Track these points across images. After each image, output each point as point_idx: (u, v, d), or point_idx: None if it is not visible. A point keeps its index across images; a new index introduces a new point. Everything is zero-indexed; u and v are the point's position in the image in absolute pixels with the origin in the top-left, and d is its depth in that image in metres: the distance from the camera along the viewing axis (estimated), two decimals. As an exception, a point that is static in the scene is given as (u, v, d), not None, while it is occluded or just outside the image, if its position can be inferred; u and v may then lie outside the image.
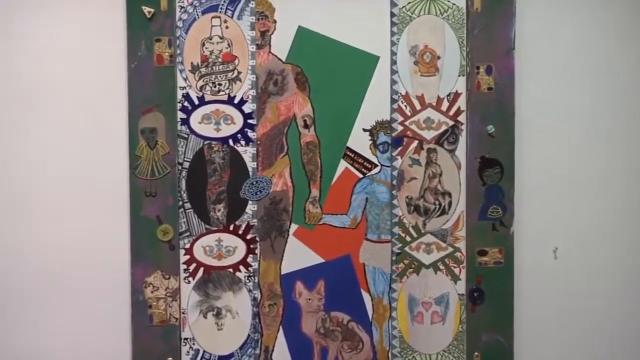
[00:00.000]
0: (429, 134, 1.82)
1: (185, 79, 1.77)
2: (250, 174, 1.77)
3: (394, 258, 1.83)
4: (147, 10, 1.72)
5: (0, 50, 1.76)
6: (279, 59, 1.77)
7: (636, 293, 1.87)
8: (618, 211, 1.86)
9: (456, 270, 1.84)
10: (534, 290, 1.85)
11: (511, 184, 1.79)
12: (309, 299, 1.82)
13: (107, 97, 1.77)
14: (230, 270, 1.79)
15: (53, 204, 1.78)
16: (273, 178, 1.78)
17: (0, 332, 1.78)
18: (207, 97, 1.77)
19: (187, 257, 1.79)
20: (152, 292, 1.77)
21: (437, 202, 1.82)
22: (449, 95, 1.81)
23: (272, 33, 1.76)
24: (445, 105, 1.81)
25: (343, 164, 1.79)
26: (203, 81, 1.76)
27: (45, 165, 1.77)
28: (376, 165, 1.80)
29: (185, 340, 1.79)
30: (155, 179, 1.75)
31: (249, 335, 1.81)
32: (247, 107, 1.78)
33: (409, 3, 1.78)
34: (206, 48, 1.76)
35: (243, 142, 1.77)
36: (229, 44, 1.76)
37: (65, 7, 1.76)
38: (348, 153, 1.79)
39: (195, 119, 1.77)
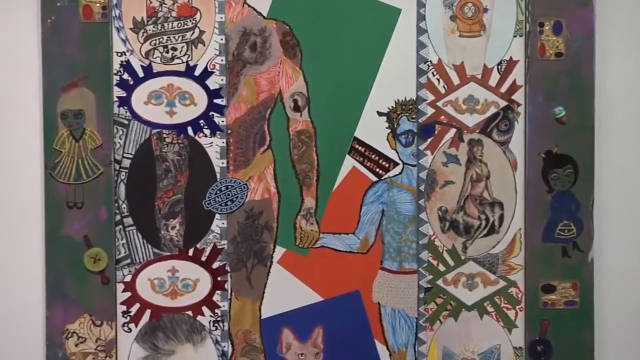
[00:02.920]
0: (471, 120, 1.52)
1: (124, 41, 1.50)
2: (218, 176, 1.52)
3: (422, 296, 1.54)
4: (68, -58, 1.48)
5: None
6: (259, 12, 1.51)
7: None
8: None
9: (511, 314, 1.54)
10: (622, 341, 1.58)
11: (589, 190, 1.52)
12: (302, 354, 1.54)
13: (12, 68, 1.53)
14: (189, 313, 1.52)
15: None
16: (250, 182, 1.52)
17: None
18: (157, 67, 1.51)
19: (128, 294, 1.52)
20: (76, 345, 1.51)
21: (483, 216, 1.53)
22: (500, 64, 1.52)
23: (249, -24, 1.53)
24: (494, 78, 1.52)
25: (349, 162, 1.53)
26: (150, 44, 1.50)
27: None
28: (396, 164, 1.53)
29: (125, 413, 1.53)
30: (82, 184, 1.49)
31: (216, 405, 1.56)
32: (213, 82, 1.51)
33: None
34: (155, -3, 1.53)
35: (207, 131, 1.51)
36: (187, -8, 1.53)
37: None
38: (356, 146, 1.52)
39: (138, 98, 1.51)
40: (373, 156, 1.53)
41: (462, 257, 1.53)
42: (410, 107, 1.52)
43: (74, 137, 1.48)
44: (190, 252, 1.51)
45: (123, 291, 1.52)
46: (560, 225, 1.51)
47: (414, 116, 1.52)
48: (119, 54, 1.49)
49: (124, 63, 1.50)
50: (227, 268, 1.52)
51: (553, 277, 1.52)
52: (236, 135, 1.51)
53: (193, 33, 1.50)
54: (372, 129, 1.52)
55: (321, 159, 1.52)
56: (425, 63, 1.51)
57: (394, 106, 1.52)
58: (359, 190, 1.53)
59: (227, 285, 1.52)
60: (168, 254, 1.52)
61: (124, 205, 1.50)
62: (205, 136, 1.51)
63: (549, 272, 1.52)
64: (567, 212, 1.51)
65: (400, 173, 1.53)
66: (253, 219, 1.52)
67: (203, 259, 1.52)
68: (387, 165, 1.52)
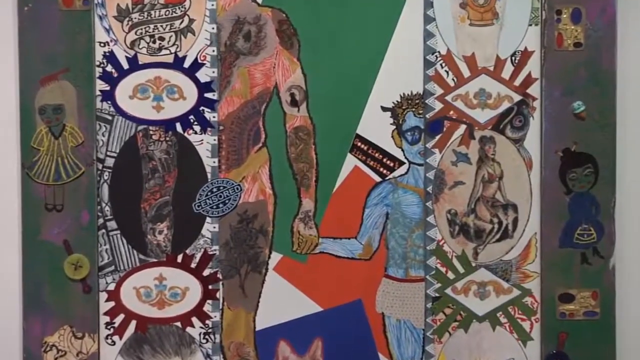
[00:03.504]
0: (482, 115, 1.47)
1: (108, 30, 1.44)
2: (209, 176, 1.47)
3: (429, 305, 1.47)
4: None
5: None
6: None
7: None
8: None
9: (526, 325, 1.48)
10: (647, 355, 1.53)
11: (611, 191, 1.46)
12: None
13: (-14, 58, 1.47)
14: (178, 324, 1.48)
15: None
16: (244, 182, 1.47)
17: None
18: (143, 59, 1.45)
19: (111, 304, 1.46)
20: (55, 358, 1.44)
21: (495, 220, 1.47)
22: (514, 55, 1.46)
23: (242, -40, 1.47)
24: (508, 70, 1.46)
25: (351, 161, 1.49)
26: (136, 34, 1.44)
27: None
28: (402, 163, 1.48)
29: None
30: (62, 184, 1.43)
31: None
32: (204, 74, 1.46)
33: None
34: (141, -17, 1.46)
35: (198, 128, 1.45)
36: (175, -23, 1.47)
37: None
38: (359, 144, 1.48)
39: (123, 91, 1.46)
40: (376, 155, 1.48)
41: (473, 264, 1.48)
42: (417, 101, 1.46)
43: (53, 134, 1.42)
44: (179, 258, 1.46)
45: (106, 301, 1.46)
46: (579, 229, 1.46)
47: (420, 111, 1.46)
48: (102, 44, 1.43)
49: (107, 54, 1.44)
50: (219, 275, 1.46)
51: (571, 285, 1.46)
52: (229, 132, 1.45)
53: (182, 21, 1.44)
54: (375, 126, 1.47)
55: (320, 158, 1.47)
56: (433, 54, 1.45)
57: (399, 101, 1.46)
58: (362, 191, 1.49)
59: (219, 294, 1.46)
60: (155, 260, 1.46)
61: (107, 208, 1.44)
62: (195, 133, 1.44)
63: (567, 280, 1.47)
64: (586, 215, 1.46)
65: (405, 173, 1.48)
66: (247, 223, 1.47)
67: (193, 265, 1.46)
68: (391, 164, 1.47)
